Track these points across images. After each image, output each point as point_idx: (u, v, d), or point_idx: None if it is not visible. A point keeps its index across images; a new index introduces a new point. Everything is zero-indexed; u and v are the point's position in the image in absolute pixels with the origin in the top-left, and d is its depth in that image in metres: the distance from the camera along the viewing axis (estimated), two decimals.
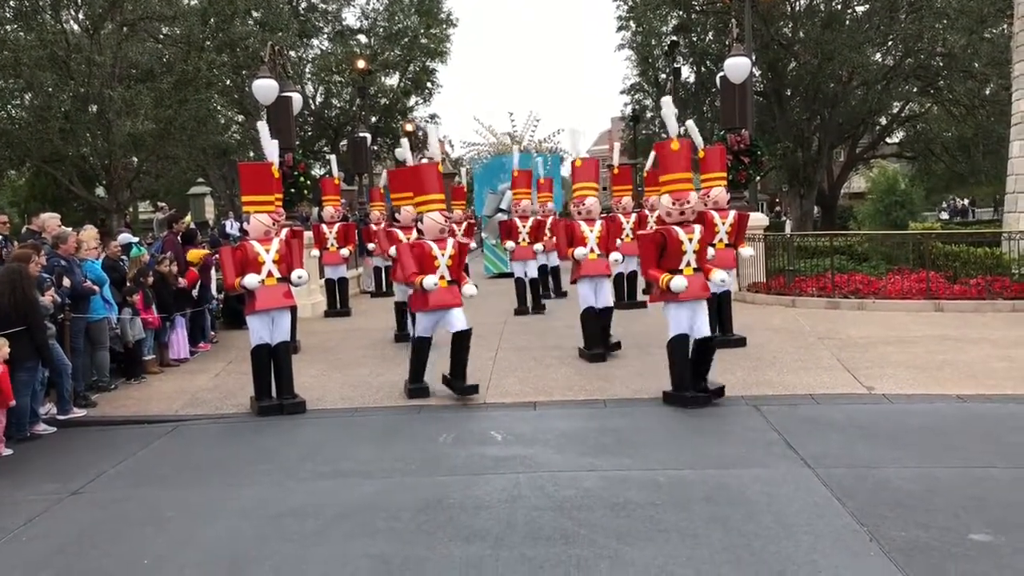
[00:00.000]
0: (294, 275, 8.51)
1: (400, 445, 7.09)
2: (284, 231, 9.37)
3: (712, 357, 8.10)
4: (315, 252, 15.20)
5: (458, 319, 8.48)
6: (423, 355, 8.79)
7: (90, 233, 10.03)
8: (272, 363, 8.48)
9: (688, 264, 7.91)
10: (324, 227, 15.64)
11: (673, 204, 8.02)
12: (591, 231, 10.28)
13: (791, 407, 7.82)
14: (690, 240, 7.92)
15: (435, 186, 8.56)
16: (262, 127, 9.21)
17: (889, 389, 8.31)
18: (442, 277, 8.37)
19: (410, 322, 9.61)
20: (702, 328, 7.93)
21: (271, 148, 8.90)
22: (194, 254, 12.39)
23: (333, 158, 18.14)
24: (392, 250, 10.40)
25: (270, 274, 8.41)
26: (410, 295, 8.70)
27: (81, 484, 6.45)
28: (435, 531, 5.14)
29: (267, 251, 8.45)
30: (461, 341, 8.54)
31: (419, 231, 8.59)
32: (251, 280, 8.22)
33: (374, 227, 17.41)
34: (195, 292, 12.07)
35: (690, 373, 7.98)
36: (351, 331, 13.41)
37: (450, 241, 8.55)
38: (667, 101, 8.73)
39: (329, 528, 5.30)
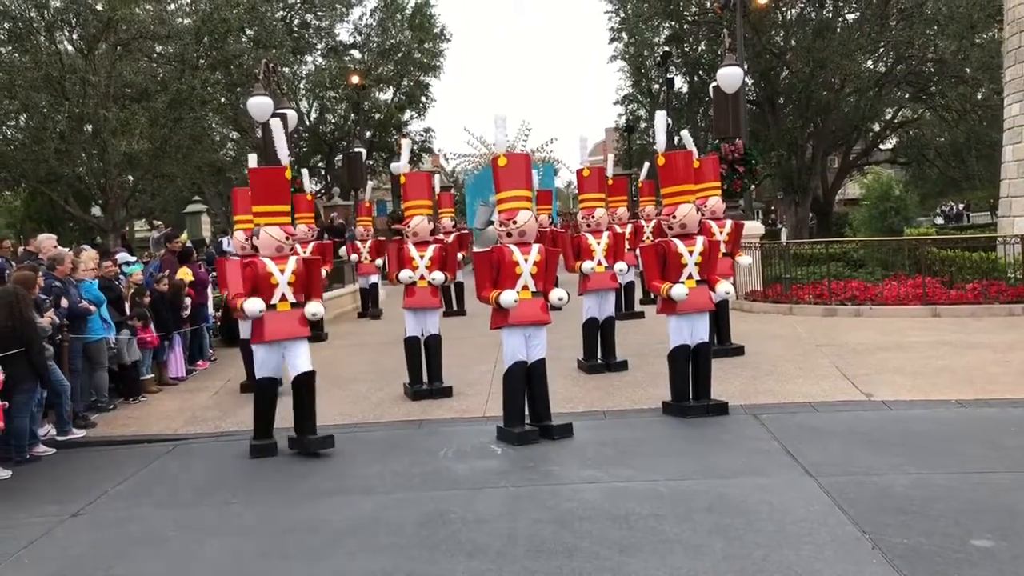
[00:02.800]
0: (308, 310, 7.31)
1: (401, 460, 7.08)
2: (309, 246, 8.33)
3: (709, 364, 8.10)
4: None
5: (541, 345, 7.39)
6: (518, 384, 7.30)
7: (89, 254, 10.04)
8: (294, 399, 7.42)
9: (690, 276, 7.85)
10: (297, 247, 14.69)
11: (664, 219, 8.08)
12: (598, 243, 10.13)
13: (791, 415, 7.83)
14: (691, 252, 7.87)
15: (521, 181, 7.32)
16: (275, 124, 7.79)
17: (888, 395, 8.32)
18: (525, 287, 7.22)
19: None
20: (700, 334, 7.95)
21: (284, 149, 7.61)
22: (183, 273, 12.34)
23: (305, 172, 15.86)
24: (405, 274, 9.28)
25: (283, 298, 7.26)
26: (491, 313, 7.37)
27: (82, 505, 6.44)
28: (437, 546, 5.13)
29: (281, 271, 7.25)
30: (535, 374, 7.39)
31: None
32: (253, 306, 6.93)
33: (359, 244, 17.23)
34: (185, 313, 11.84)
35: (692, 385, 7.99)
36: (348, 347, 13.41)
37: (535, 246, 7.37)
38: (661, 115, 8.74)
39: (332, 544, 5.29)
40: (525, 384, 7.36)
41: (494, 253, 7.27)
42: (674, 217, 7.96)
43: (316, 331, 12.87)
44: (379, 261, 16.54)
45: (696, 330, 7.92)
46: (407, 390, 9.52)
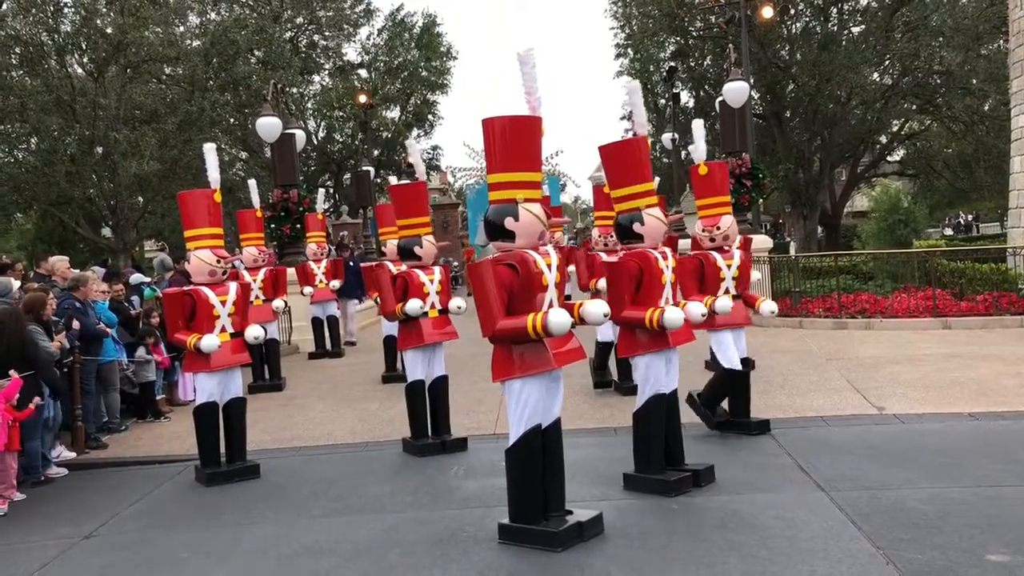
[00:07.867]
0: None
1: (412, 479, 7.07)
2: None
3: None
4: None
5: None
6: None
7: (92, 275, 10.11)
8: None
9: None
10: (246, 273, 11.91)
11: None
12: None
13: (802, 430, 7.80)
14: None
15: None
16: (524, 54, 5.42)
17: (900, 409, 8.29)
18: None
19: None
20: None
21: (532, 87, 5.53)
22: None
23: (253, 182, 13.01)
24: (414, 305, 7.71)
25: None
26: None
27: (94, 527, 6.45)
28: (449, 565, 5.12)
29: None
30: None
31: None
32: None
33: (312, 264, 14.15)
34: None
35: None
36: (360, 365, 13.42)
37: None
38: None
39: (344, 565, 5.28)
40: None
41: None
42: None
43: (271, 380, 11.91)
44: (335, 283, 14.14)
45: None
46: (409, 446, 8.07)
